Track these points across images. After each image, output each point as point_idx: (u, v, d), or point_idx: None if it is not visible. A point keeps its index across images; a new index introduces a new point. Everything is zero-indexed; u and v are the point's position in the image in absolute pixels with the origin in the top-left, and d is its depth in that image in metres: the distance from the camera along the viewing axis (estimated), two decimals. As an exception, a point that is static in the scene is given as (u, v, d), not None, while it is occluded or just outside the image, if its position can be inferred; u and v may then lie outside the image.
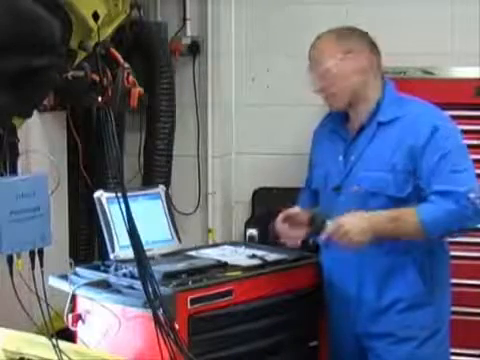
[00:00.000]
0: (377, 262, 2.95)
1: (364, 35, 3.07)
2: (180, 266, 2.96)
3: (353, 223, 2.85)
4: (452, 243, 3.14)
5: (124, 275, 2.90)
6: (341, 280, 3.04)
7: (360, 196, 2.95)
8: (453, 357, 3.21)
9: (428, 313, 2.95)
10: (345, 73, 2.99)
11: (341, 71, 2.99)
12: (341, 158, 3.04)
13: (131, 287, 2.80)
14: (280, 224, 3.04)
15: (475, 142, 3.99)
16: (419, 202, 2.86)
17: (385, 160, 2.93)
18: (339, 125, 3.10)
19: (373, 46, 3.06)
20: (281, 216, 3.05)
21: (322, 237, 2.92)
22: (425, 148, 2.87)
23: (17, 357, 2.48)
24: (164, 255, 3.13)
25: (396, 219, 2.86)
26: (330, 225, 2.87)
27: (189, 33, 4.72)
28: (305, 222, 2.99)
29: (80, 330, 2.99)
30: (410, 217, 2.85)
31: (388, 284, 2.95)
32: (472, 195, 2.79)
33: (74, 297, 2.97)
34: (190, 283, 2.84)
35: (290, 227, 3.02)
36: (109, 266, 3.01)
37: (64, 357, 2.24)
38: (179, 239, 3.25)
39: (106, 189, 3.08)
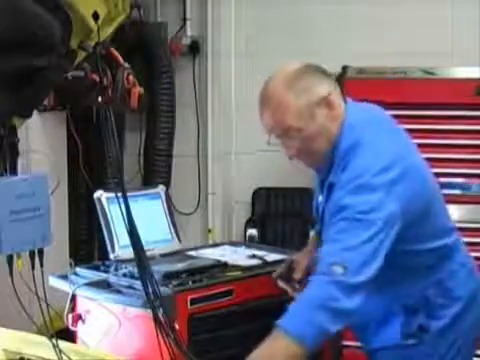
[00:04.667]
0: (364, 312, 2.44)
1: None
2: (180, 266, 2.96)
3: None
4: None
5: (124, 275, 2.89)
6: None
7: None
8: (453, 357, 3.20)
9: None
10: None
11: None
12: (321, 198, 2.60)
13: (131, 287, 2.80)
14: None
15: (475, 142, 4.01)
16: None
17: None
18: None
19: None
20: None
21: None
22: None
23: (17, 357, 2.48)
24: (164, 255, 3.13)
25: (269, 345, 2.31)
26: None
27: (189, 33, 4.74)
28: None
29: (80, 330, 2.98)
30: (276, 337, 2.30)
31: (375, 331, 2.61)
32: (339, 269, 2.29)
33: (74, 297, 2.96)
34: (190, 283, 2.83)
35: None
36: (109, 266, 3.01)
37: (64, 357, 2.24)
38: (179, 239, 3.25)
39: (106, 189, 3.08)
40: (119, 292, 2.85)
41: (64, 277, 2.98)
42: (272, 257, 3.20)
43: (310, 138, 2.45)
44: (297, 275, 2.79)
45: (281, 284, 2.82)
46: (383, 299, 2.55)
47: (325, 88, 2.46)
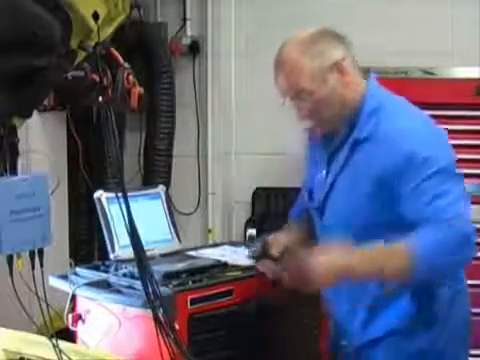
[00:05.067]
0: (369, 291, 2.57)
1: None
2: (180, 266, 2.96)
3: (321, 265, 2.37)
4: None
5: (124, 275, 2.89)
6: (333, 304, 2.75)
7: (339, 225, 2.58)
8: (453, 357, 3.20)
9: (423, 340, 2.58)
10: None
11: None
12: (324, 173, 2.63)
13: (131, 287, 2.80)
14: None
15: (475, 142, 4.01)
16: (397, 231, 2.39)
17: (357, 188, 2.52)
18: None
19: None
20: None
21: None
22: (400, 175, 2.42)
23: (17, 357, 2.48)
24: (164, 255, 3.13)
25: (385, 254, 2.39)
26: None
27: (189, 33, 4.74)
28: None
29: (80, 330, 2.98)
30: (399, 251, 2.37)
31: (377, 315, 2.59)
32: (457, 222, 2.37)
33: (74, 297, 2.96)
34: (190, 283, 2.83)
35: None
36: (109, 266, 3.01)
37: (64, 357, 2.24)
38: (179, 239, 3.25)
39: (106, 189, 3.08)
40: (119, 292, 2.85)
41: (64, 277, 2.98)
42: (272, 257, 3.20)
43: (321, 101, 2.51)
44: (274, 251, 2.78)
45: (259, 267, 2.82)
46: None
47: (339, 53, 2.53)
